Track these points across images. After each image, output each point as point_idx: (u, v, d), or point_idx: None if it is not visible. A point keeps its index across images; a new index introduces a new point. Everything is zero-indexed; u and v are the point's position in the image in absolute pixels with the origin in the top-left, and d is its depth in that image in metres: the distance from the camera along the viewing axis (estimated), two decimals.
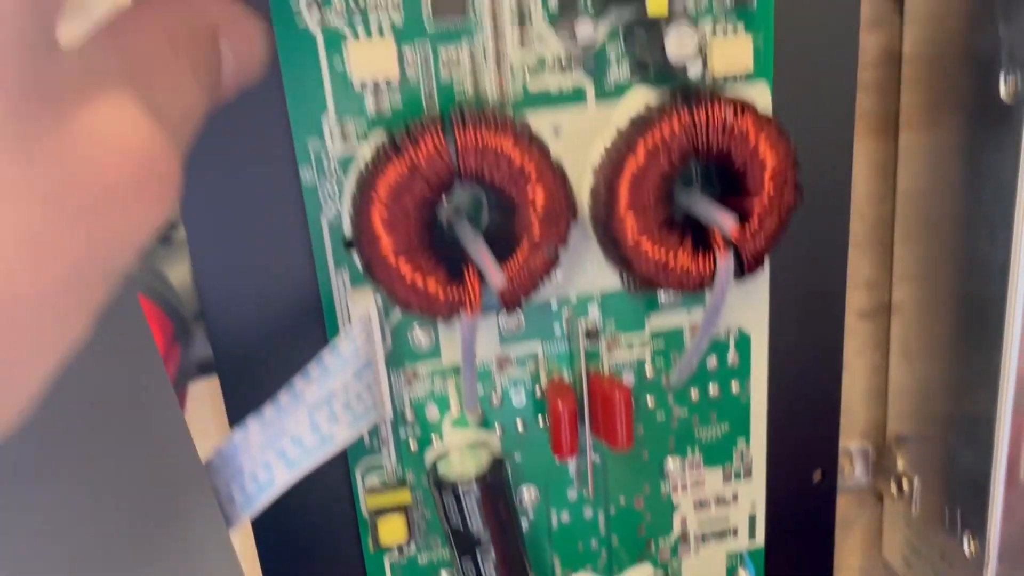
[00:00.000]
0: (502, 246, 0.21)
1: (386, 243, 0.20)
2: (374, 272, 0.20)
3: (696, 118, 0.21)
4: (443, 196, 0.20)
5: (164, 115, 0.14)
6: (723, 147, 0.21)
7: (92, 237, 0.12)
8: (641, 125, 0.21)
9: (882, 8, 0.26)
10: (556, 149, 0.21)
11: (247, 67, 0.19)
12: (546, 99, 0.22)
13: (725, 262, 0.21)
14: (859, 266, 0.29)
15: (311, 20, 0.20)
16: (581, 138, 0.22)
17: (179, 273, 0.36)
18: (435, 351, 0.24)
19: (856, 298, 0.29)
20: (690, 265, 0.21)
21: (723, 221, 0.21)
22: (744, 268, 0.22)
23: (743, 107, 0.21)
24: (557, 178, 0.20)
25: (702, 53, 0.20)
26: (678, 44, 0.20)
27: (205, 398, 0.41)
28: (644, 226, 0.21)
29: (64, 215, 0.12)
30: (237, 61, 0.18)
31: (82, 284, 0.12)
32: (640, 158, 0.21)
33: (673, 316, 0.25)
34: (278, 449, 0.21)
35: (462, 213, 0.22)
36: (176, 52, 0.16)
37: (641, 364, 0.25)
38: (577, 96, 0.22)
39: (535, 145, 0.20)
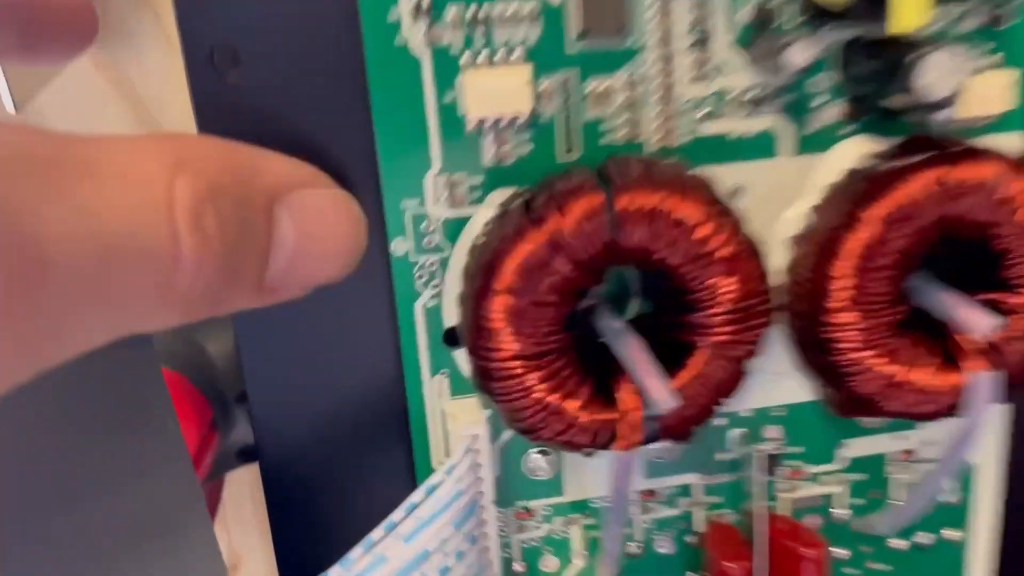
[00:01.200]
0: (663, 352, 0.15)
1: (510, 345, 0.14)
2: (490, 384, 0.15)
3: (948, 178, 0.15)
4: (592, 283, 0.14)
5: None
6: (982, 220, 0.15)
7: None
8: (869, 185, 0.15)
9: None
10: None
11: (318, 265, 0.13)
12: (725, 148, 0.16)
13: (985, 383, 0.15)
14: None
15: (414, 36, 0.15)
16: (771, 201, 0.16)
17: (221, 344, 0.31)
18: (555, 484, 0.18)
19: None
20: (931, 385, 0.15)
21: (981, 323, 0.15)
22: (1010, 389, 0.15)
23: (1019, 166, 0.15)
24: (755, 263, 0.14)
25: (958, 92, 0.14)
26: (938, 78, 0.14)
27: (244, 486, 0.35)
28: (869, 330, 0.15)
29: None
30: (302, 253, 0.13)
31: None
32: (865, 234, 0.15)
33: (875, 441, 0.18)
34: None
35: (609, 306, 0.16)
36: None
37: (830, 502, 0.19)
38: (766, 145, 0.16)
39: (729, 216, 0.14)
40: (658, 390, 0.14)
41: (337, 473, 0.17)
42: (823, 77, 0.16)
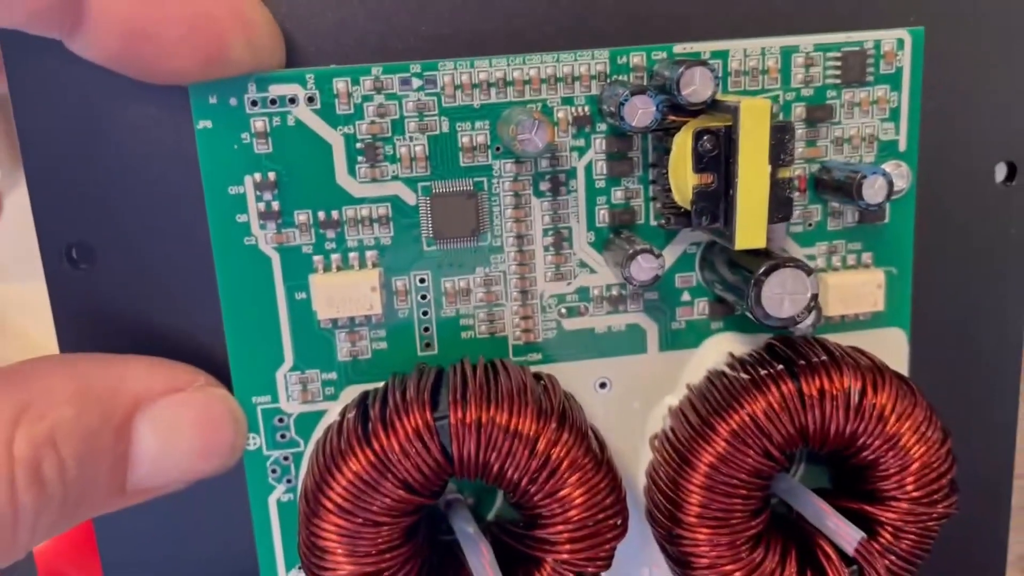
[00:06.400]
0: (516, 558, 0.14)
1: (344, 567, 0.14)
2: None
3: (807, 390, 0.14)
4: (431, 499, 0.14)
5: None
6: (844, 432, 0.14)
7: None
8: (725, 396, 0.14)
9: None
10: (600, 410, 0.15)
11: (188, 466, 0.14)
12: (590, 344, 0.16)
13: None
14: (1015, 541, 0.21)
15: (264, 238, 0.15)
16: (637, 396, 0.16)
17: None
18: None
19: None
20: None
21: (844, 536, 0.14)
22: None
23: (878, 376, 0.14)
24: (603, 476, 0.14)
25: (815, 301, 0.14)
26: (782, 298, 0.14)
27: None
28: (724, 544, 0.14)
29: None
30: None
31: None
32: (720, 446, 0.14)
33: None
34: None
35: (466, 506, 0.15)
36: None
37: None
38: (633, 341, 0.16)
39: (570, 429, 0.14)
40: None
41: None
42: (687, 278, 0.16)
